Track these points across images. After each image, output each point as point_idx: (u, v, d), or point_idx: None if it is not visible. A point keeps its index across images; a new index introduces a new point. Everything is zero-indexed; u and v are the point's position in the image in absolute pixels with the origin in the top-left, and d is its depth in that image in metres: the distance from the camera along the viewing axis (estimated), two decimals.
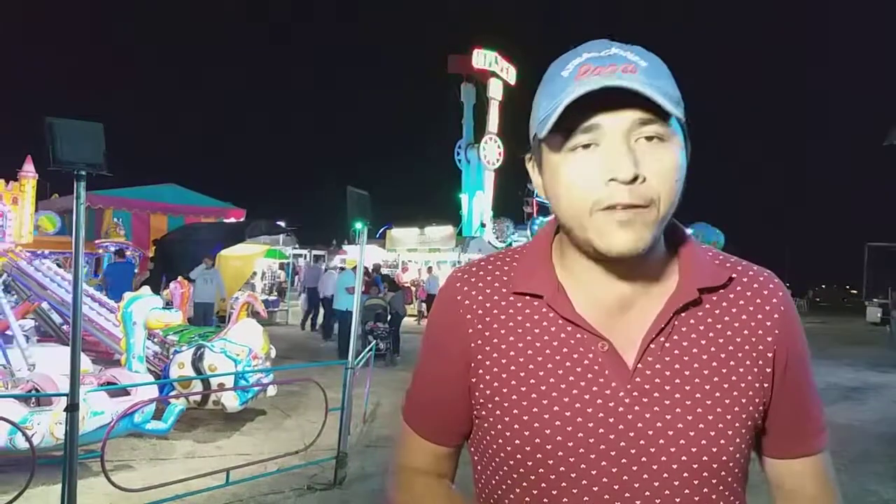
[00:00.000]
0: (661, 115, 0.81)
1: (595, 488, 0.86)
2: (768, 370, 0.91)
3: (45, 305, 7.38)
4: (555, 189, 0.87)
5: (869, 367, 12.52)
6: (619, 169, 0.80)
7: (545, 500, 0.88)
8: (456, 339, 0.98)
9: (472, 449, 1.01)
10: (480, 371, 0.95)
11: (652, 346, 0.89)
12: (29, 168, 7.45)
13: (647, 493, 0.86)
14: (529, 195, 29.85)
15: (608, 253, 0.84)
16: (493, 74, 30.44)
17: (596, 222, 0.83)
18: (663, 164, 0.83)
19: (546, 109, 0.84)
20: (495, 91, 30.64)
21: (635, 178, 0.81)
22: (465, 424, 1.00)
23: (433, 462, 1.06)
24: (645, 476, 0.86)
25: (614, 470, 0.86)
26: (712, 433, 0.86)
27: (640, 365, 0.89)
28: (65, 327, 7.35)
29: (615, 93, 0.79)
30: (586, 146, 0.83)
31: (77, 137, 3.47)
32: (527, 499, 0.90)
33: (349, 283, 12.21)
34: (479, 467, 0.99)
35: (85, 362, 5.43)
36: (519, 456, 0.89)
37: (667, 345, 0.89)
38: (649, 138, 0.82)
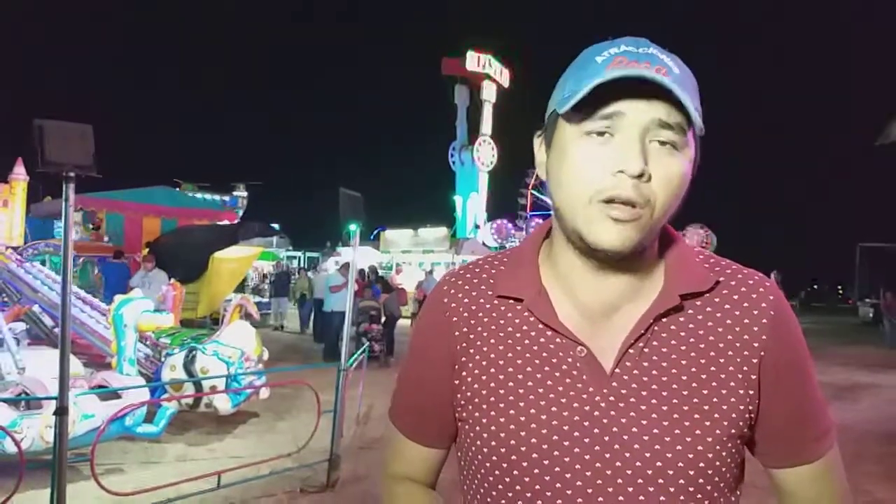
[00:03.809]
0: (680, 124, 0.82)
1: (569, 492, 0.86)
2: (753, 377, 0.88)
3: (35, 308, 7.34)
4: (558, 170, 0.87)
5: (861, 366, 12.58)
6: (629, 161, 0.80)
7: (519, 502, 0.89)
8: (442, 342, 0.99)
9: (459, 453, 1.01)
10: (463, 373, 0.96)
11: (631, 351, 0.88)
12: (20, 170, 7.41)
13: (621, 499, 0.85)
14: (526, 185, 29.90)
15: (594, 246, 0.84)
16: (487, 77, 30.50)
17: (590, 212, 0.83)
18: (669, 170, 0.83)
19: (572, 90, 0.84)
20: (489, 93, 30.70)
21: (642, 175, 0.81)
22: (450, 427, 1.01)
23: (419, 464, 1.07)
24: (619, 481, 0.85)
25: (588, 474, 0.86)
26: (688, 440, 0.85)
27: (617, 370, 0.88)
28: (56, 330, 7.30)
29: (642, 89, 0.80)
30: (601, 133, 0.83)
31: (66, 139, 3.45)
32: (503, 501, 0.91)
33: (332, 283, 12.21)
34: (464, 471, 0.99)
35: (76, 365, 5.39)
36: (495, 458, 0.90)
37: (646, 350, 0.89)
38: (663, 143, 0.83)
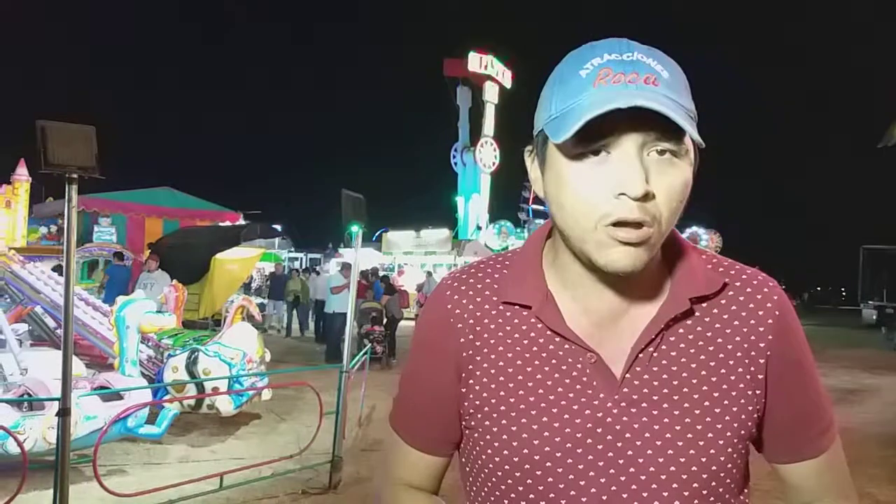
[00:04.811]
0: (678, 131, 0.78)
1: (584, 499, 0.86)
2: (760, 377, 0.89)
3: (38, 309, 7.35)
4: (558, 195, 0.84)
5: (864, 369, 12.58)
6: (631, 184, 0.77)
7: None
8: (447, 349, 0.96)
9: (463, 459, 1.00)
10: (471, 381, 0.94)
11: (641, 356, 0.88)
12: (22, 171, 7.43)
13: None
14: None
15: (605, 269, 0.82)
16: (489, 78, 30.51)
17: (598, 236, 0.80)
18: (672, 183, 0.80)
19: (559, 109, 0.80)
20: (491, 94, 30.71)
21: (645, 195, 0.77)
22: (455, 434, 0.99)
23: (422, 471, 1.04)
24: (633, 487, 0.85)
25: (602, 480, 0.86)
26: (702, 443, 0.85)
27: (628, 375, 0.87)
28: (58, 331, 7.30)
29: (651, 98, 0.76)
30: (596, 153, 0.79)
31: (69, 140, 3.45)
32: None
33: (333, 284, 12.23)
34: (469, 478, 0.98)
35: (78, 366, 5.39)
36: (507, 467, 0.89)
37: (655, 355, 0.88)
38: (661, 153, 0.79)
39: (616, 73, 0.78)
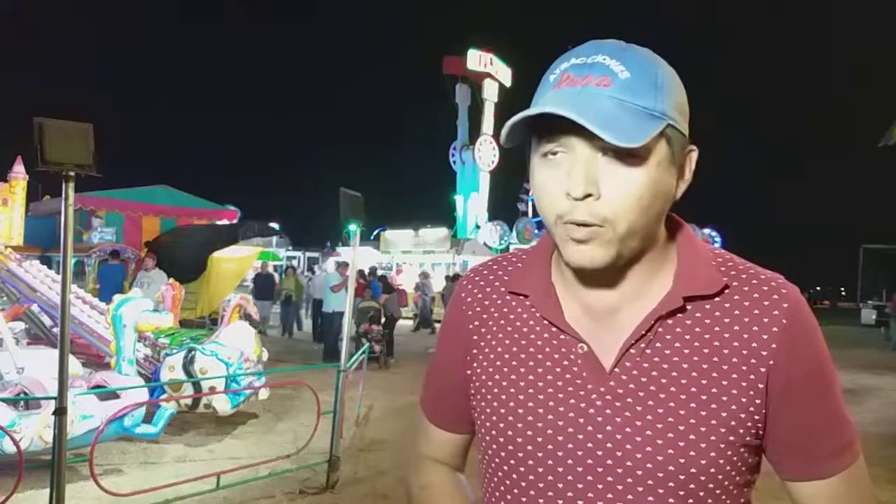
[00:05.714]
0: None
1: (560, 485, 0.88)
2: (761, 386, 0.85)
3: (34, 308, 7.33)
4: (533, 191, 0.89)
5: (864, 368, 12.57)
6: (572, 184, 0.80)
7: (515, 490, 0.92)
8: (459, 334, 1.04)
9: (476, 438, 1.06)
10: (474, 364, 1.00)
11: (631, 351, 0.88)
12: (19, 169, 7.41)
13: (610, 496, 0.86)
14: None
15: (570, 265, 0.86)
16: (488, 76, 30.48)
17: (558, 232, 0.85)
18: (625, 182, 0.80)
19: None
20: (490, 92, 30.66)
21: (589, 195, 0.80)
22: (466, 413, 1.05)
23: (443, 447, 1.13)
24: (609, 479, 0.86)
25: (580, 469, 0.87)
26: (681, 444, 0.84)
27: (617, 369, 0.88)
28: (55, 330, 7.29)
29: (584, 102, 0.78)
30: (554, 153, 0.83)
31: (66, 138, 3.44)
32: (501, 488, 0.95)
33: (332, 282, 12.23)
34: (479, 455, 1.03)
35: (75, 365, 5.37)
36: (495, 446, 0.95)
37: (647, 351, 0.88)
38: (615, 153, 0.79)
39: (574, 76, 0.82)
